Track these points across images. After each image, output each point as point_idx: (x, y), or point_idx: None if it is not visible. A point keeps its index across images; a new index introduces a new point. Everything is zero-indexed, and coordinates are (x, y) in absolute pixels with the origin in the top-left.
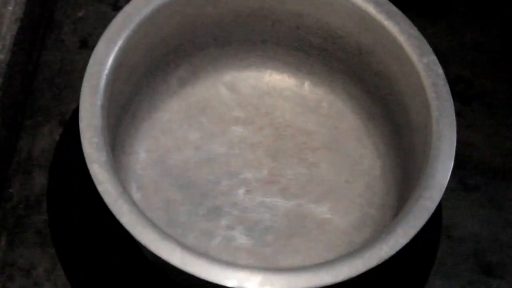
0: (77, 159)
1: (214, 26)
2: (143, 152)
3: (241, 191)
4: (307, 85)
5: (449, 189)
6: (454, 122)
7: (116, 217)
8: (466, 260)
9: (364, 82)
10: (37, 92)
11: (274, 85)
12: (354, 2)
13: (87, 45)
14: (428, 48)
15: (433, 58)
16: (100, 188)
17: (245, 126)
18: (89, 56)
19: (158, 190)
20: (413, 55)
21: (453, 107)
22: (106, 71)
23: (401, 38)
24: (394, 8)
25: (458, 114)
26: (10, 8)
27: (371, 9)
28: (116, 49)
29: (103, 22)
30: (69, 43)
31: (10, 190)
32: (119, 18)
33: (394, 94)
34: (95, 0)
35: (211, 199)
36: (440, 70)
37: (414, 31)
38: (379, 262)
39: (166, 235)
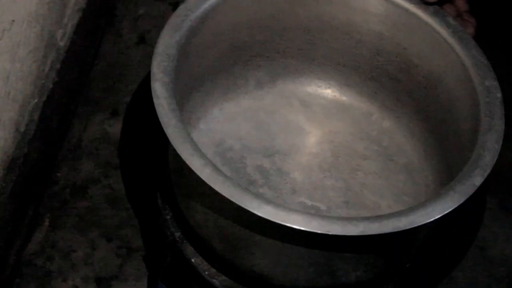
0: (125, 151)
1: (301, 32)
2: (204, 128)
3: (286, 189)
4: (374, 117)
5: (487, 210)
6: (501, 140)
7: (163, 127)
8: (500, 282)
9: (427, 120)
10: (92, 83)
11: (344, 109)
12: (431, 25)
13: (145, 41)
14: (492, 73)
15: (495, 83)
16: (156, 102)
17: (307, 137)
18: (145, 52)
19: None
20: (476, 78)
21: (503, 126)
22: (191, 22)
23: (469, 63)
24: (466, 35)
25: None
26: None
27: (445, 33)
28: (205, 6)
29: (162, 21)
30: (127, 38)
31: (58, 174)
32: None
33: (453, 129)
34: None
35: (256, 188)
36: (499, 94)
37: (482, 57)
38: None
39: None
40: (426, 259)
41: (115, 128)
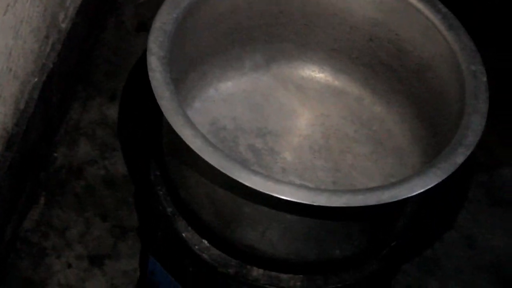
0: (122, 134)
1: (298, 17)
2: (199, 107)
3: (277, 168)
4: (366, 102)
5: (475, 201)
6: (484, 121)
7: (157, 99)
8: (485, 272)
9: (417, 104)
10: (93, 67)
11: (337, 94)
12: (422, 12)
13: (146, 28)
14: (478, 58)
15: (481, 67)
16: (151, 74)
17: (299, 119)
18: (146, 39)
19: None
20: (464, 63)
21: (487, 109)
22: (188, 2)
23: (457, 48)
24: (457, 22)
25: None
26: None
27: (436, 20)
28: None
29: None
30: (128, 25)
31: (55, 155)
32: None
33: (442, 114)
34: None
35: (248, 166)
36: (484, 79)
37: (470, 43)
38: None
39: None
40: (412, 242)
41: (113, 111)
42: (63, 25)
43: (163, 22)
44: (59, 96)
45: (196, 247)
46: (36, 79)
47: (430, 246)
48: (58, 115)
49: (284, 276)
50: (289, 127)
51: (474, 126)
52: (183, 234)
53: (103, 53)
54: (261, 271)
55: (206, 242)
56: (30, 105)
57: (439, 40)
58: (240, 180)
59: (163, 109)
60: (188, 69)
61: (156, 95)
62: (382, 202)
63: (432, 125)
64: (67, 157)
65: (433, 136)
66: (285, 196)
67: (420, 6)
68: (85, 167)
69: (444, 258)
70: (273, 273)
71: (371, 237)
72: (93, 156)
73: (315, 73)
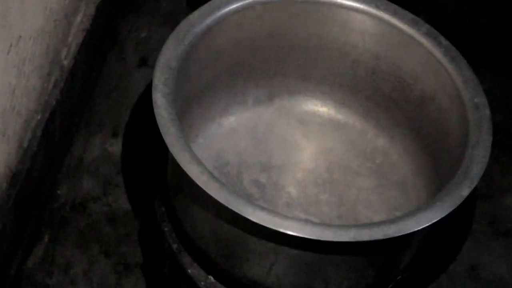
0: (125, 171)
1: (299, 51)
2: (202, 143)
3: (282, 202)
4: (369, 135)
5: (478, 231)
6: (488, 154)
7: (163, 135)
8: None
9: (420, 137)
10: (94, 103)
11: (340, 127)
12: (424, 45)
13: (147, 63)
14: (481, 91)
15: (484, 100)
16: (156, 111)
17: (302, 153)
18: (147, 75)
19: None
20: (466, 96)
21: (490, 141)
22: (193, 36)
23: (460, 81)
24: (458, 55)
25: (496, 160)
26: (78, 18)
27: (437, 53)
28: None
29: None
30: (129, 60)
31: (58, 192)
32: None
33: (445, 146)
34: (159, 23)
35: (252, 201)
36: (487, 111)
37: (472, 76)
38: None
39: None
40: (418, 275)
41: (115, 148)
42: (65, 62)
43: (168, 58)
44: (62, 133)
45: (203, 283)
46: (39, 117)
47: (436, 278)
48: (61, 152)
49: None
50: (293, 161)
51: (478, 158)
52: (189, 271)
53: (105, 89)
54: None
55: (212, 278)
56: (33, 143)
57: (441, 73)
58: (246, 216)
59: (168, 146)
60: (191, 104)
61: (162, 132)
62: (389, 236)
63: (436, 158)
64: (70, 194)
65: (437, 168)
66: (292, 232)
67: (422, 39)
68: (89, 203)
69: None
70: None
71: (377, 271)
72: (96, 193)
73: (318, 107)
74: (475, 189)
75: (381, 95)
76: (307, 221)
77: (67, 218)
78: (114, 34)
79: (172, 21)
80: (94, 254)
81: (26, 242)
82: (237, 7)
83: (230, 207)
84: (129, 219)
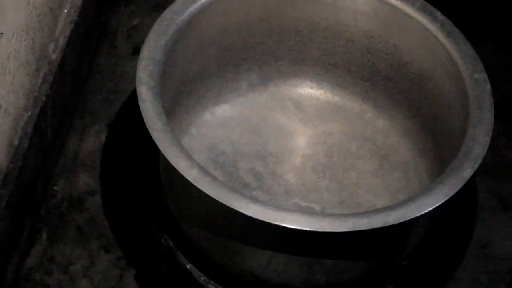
0: (122, 161)
1: (291, 34)
2: (196, 133)
3: (280, 191)
4: (367, 117)
5: (488, 208)
6: (490, 132)
7: (149, 130)
8: (503, 281)
9: (420, 117)
10: (87, 95)
11: (338, 110)
12: (419, 21)
13: (140, 52)
14: (480, 66)
15: (484, 75)
16: (141, 105)
17: (300, 138)
18: None
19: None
20: (465, 72)
21: (492, 118)
22: (177, 25)
23: (458, 56)
24: (455, 29)
25: (503, 133)
26: (65, 10)
27: (433, 28)
28: (192, 9)
29: None
30: (122, 49)
31: (55, 188)
32: None
33: (446, 125)
34: (150, 9)
35: (249, 190)
36: (488, 87)
37: (470, 50)
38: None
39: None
40: (425, 257)
41: (111, 140)
42: (54, 56)
43: (151, 50)
44: (55, 128)
45: (202, 278)
46: (29, 113)
47: (445, 259)
48: (55, 148)
49: None
50: (290, 148)
51: (480, 137)
52: (188, 266)
53: (98, 80)
54: None
55: (211, 273)
56: (24, 141)
57: (439, 49)
58: (239, 210)
59: (156, 141)
60: (181, 95)
61: (148, 126)
62: (389, 224)
63: (437, 137)
64: (67, 190)
65: (439, 148)
66: (287, 224)
67: (416, 15)
68: (86, 198)
69: (460, 269)
70: None
71: (379, 258)
72: (93, 186)
73: (314, 90)
74: (480, 165)
75: (378, 75)
76: (302, 212)
77: (65, 214)
78: (104, 23)
79: (164, 7)
80: (94, 250)
81: (24, 241)
82: None
83: (222, 201)
84: (129, 212)
